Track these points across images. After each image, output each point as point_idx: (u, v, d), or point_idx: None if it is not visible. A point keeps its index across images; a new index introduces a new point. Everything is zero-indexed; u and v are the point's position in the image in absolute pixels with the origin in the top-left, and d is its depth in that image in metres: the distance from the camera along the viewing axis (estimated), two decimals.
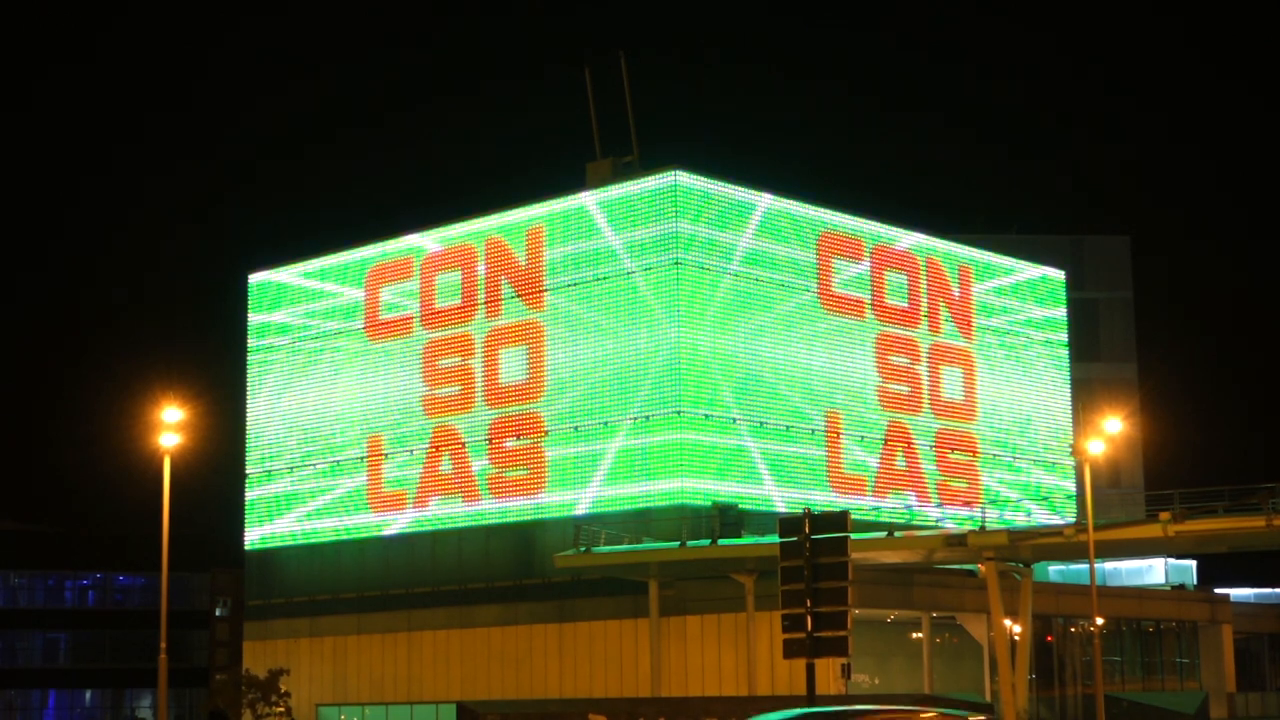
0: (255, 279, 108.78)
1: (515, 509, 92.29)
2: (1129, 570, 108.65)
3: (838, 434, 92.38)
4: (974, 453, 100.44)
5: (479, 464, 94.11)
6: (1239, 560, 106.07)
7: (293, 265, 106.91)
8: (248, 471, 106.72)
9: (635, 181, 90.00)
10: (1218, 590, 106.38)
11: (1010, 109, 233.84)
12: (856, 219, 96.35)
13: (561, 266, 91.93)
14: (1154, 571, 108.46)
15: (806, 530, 41.99)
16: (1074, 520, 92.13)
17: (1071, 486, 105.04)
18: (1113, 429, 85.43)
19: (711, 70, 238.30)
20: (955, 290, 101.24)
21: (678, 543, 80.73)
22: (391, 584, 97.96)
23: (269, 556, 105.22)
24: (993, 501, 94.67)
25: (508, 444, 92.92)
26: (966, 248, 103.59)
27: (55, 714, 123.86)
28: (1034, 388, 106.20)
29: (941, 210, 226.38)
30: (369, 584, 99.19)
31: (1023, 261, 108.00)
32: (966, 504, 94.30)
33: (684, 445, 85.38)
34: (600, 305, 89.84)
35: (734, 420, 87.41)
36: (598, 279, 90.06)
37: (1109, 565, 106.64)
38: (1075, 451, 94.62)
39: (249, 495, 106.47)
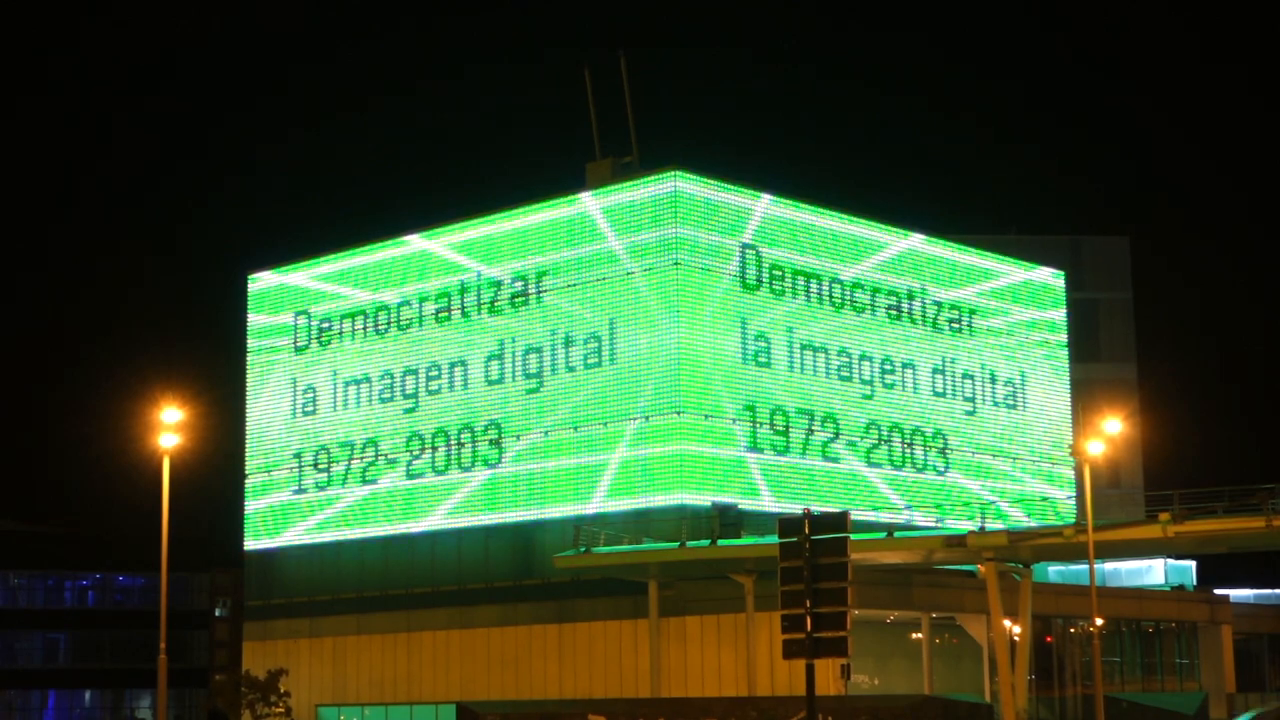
0: (255, 279, 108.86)
1: (515, 509, 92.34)
2: (1129, 571, 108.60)
3: (837, 434, 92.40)
4: (973, 454, 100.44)
5: (479, 465, 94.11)
6: (1239, 560, 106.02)
7: (292, 265, 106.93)
8: (247, 472, 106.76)
9: (635, 182, 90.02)
10: (1217, 591, 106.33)
11: (1011, 109, 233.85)
12: (856, 219, 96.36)
13: (561, 267, 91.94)
14: (1154, 572, 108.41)
15: (806, 531, 41.91)
16: (1073, 521, 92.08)
17: (1071, 487, 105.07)
18: (1113, 429, 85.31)
19: (711, 71, 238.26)
20: (955, 290, 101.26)
21: (677, 543, 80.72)
22: (391, 584, 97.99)
23: (269, 557, 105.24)
24: (992, 502, 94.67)
25: (509, 445, 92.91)
26: (966, 248, 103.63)
27: (55, 714, 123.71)
28: (1033, 389, 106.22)
29: (941, 210, 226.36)
30: (369, 584, 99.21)
31: (1022, 262, 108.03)
32: (965, 505, 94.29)
33: (684, 445, 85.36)
34: (600, 306, 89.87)
35: (733, 420, 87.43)
36: (598, 279, 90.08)
37: (1109, 566, 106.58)
38: (1075, 452, 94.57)
39: (249, 496, 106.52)
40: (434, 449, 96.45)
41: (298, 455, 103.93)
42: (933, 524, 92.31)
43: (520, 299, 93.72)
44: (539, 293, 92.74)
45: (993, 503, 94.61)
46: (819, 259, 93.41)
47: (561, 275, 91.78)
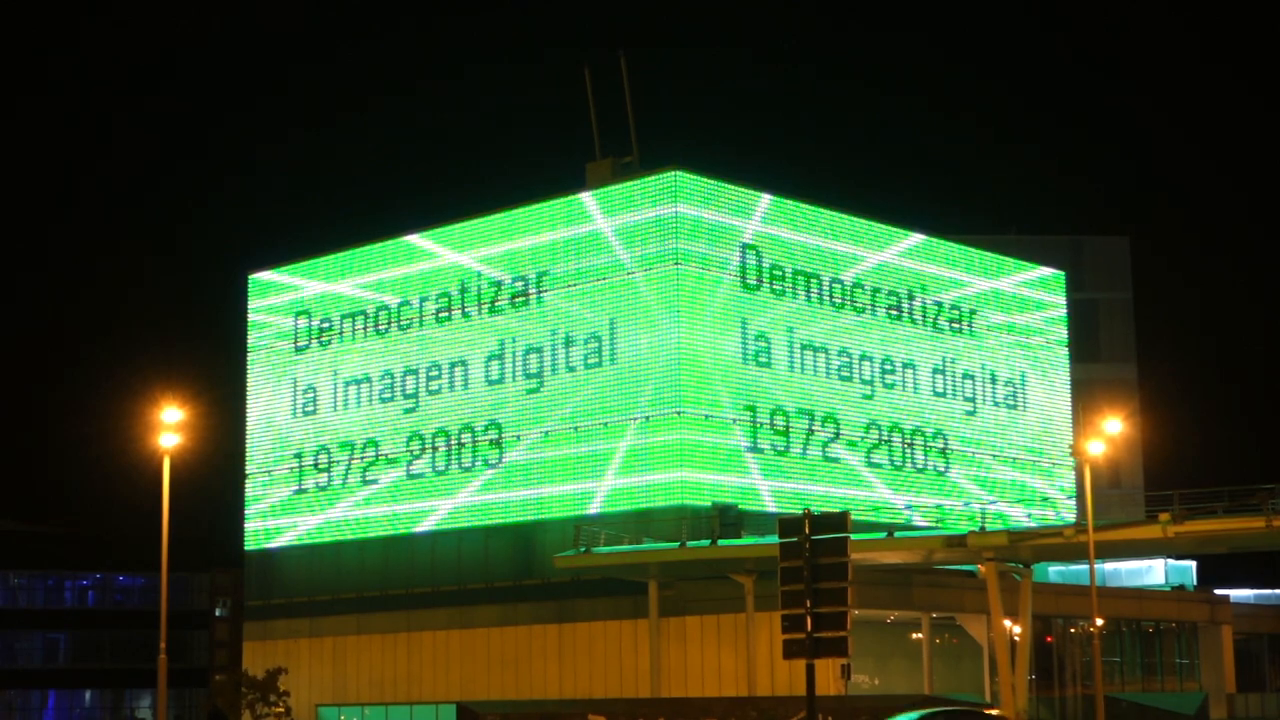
0: (255, 278, 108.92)
1: (515, 509, 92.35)
2: (1129, 571, 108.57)
3: (837, 434, 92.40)
4: (973, 454, 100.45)
5: (479, 465, 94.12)
6: (1239, 561, 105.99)
7: (292, 265, 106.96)
8: (248, 472, 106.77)
9: (635, 182, 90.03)
10: (1217, 591, 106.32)
11: (1011, 109, 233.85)
12: (856, 219, 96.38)
13: (562, 266, 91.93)
14: (1154, 572, 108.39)
15: (806, 531, 41.90)
16: (1073, 521, 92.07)
17: (1071, 487, 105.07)
18: (1113, 429, 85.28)
19: (711, 71, 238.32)
20: (955, 290, 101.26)
21: (677, 543, 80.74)
22: (391, 584, 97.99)
23: (269, 557, 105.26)
24: (992, 502, 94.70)
25: (509, 445, 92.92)
26: (966, 247, 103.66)
27: (55, 714, 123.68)
28: (1033, 389, 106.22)
29: (941, 210, 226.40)
30: (369, 584, 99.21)
31: (1022, 262, 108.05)
32: (965, 505, 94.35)
33: (684, 446, 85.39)
34: (601, 306, 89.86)
35: (732, 421, 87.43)
36: (598, 279, 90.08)
37: (1109, 566, 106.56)
38: (1075, 452, 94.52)
39: (249, 496, 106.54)
40: (434, 449, 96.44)
41: (298, 455, 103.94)
42: (932, 524, 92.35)
43: (520, 299, 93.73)
44: (539, 293, 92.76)
45: (993, 503, 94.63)
46: (819, 258, 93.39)
47: (561, 274, 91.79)
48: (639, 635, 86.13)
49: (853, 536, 42.49)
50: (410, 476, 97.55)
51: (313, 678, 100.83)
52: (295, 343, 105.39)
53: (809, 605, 41.49)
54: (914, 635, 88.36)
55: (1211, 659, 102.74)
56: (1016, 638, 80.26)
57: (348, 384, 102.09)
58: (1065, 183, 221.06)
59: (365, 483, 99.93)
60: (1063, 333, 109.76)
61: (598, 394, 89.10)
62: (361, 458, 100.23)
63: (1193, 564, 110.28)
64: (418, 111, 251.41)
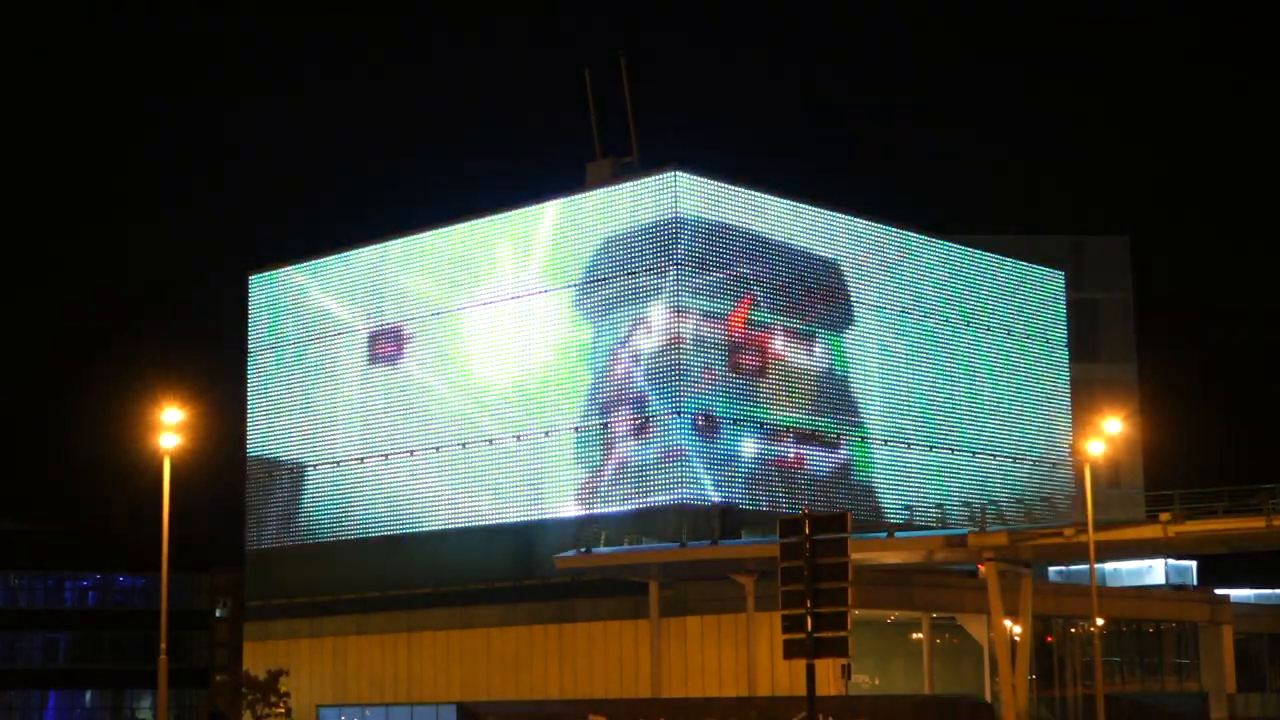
0: (256, 278, 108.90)
1: (515, 509, 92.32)
2: (1129, 570, 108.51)
3: (838, 434, 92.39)
4: (974, 453, 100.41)
5: (480, 465, 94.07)
6: (1239, 560, 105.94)
7: (293, 265, 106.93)
8: (248, 472, 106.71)
9: (635, 181, 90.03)
10: (1218, 590, 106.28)
11: (1012, 109, 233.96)
12: (856, 219, 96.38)
13: (562, 266, 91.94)
14: (1154, 572, 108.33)
15: (807, 531, 41.92)
16: (1073, 520, 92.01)
17: (1071, 488, 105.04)
18: (1113, 429, 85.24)
19: (711, 71, 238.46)
20: (956, 289, 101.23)
21: (678, 543, 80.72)
22: (391, 584, 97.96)
23: (269, 557, 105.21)
24: (992, 502, 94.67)
25: (508, 444, 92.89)
26: (966, 248, 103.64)
27: (55, 714, 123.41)
28: (1034, 388, 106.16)
29: (942, 210, 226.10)
30: (369, 584, 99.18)
31: (1022, 262, 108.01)
32: (966, 505, 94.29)
33: (684, 445, 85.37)
34: (601, 305, 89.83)
35: (734, 420, 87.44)
36: (598, 279, 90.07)
37: (1109, 566, 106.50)
38: (1075, 452, 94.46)
39: (249, 496, 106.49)
40: (435, 449, 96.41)
41: (298, 454, 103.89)
42: (933, 524, 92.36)
43: (520, 297, 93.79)
44: (540, 292, 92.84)
45: (993, 502, 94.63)
46: (819, 258, 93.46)
47: (562, 274, 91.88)
48: (639, 635, 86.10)
49: (852, 536, 42.52)
50: (411, 476, 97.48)
51: (313, 678, 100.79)
52: (295, 343, 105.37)
53: (809, 605, 41.49)
54: (914, 635, 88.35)
55: (1211, 659, 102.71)
56: (1016, 638, 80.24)
57: (348, 384, 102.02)
58: (1065, 183, 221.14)
59: (366, 483, 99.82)
60: (1062, 332, 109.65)
61: (597, 394, 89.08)
62: (362, 458, 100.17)
63: (1193, 564, 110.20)
64: (418, 111, 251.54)
